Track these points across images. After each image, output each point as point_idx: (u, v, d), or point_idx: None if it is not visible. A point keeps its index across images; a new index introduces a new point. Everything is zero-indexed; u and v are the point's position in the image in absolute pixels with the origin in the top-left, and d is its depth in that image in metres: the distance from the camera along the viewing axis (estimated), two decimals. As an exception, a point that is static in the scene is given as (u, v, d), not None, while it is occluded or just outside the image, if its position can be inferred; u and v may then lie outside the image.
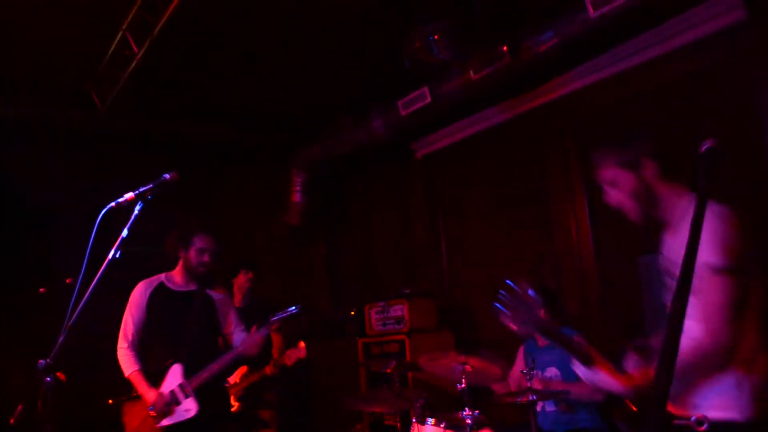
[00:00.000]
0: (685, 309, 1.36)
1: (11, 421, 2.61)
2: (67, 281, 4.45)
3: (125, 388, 5.27)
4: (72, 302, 2.30)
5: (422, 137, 6.33)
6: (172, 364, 3.65)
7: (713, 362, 1.99)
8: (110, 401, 5.29)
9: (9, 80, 5.20)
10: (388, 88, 5.50)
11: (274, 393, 5.14)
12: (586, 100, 5.01)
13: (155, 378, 3.65)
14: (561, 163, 5.19)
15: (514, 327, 2.22)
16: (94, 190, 4.22)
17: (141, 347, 3.71)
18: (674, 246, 2.17)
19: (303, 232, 6.89)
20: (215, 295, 3.95)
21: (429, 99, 5.23)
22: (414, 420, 3.91)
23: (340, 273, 7.31)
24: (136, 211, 2.34)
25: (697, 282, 2.00)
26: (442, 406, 4.76)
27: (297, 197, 6.65)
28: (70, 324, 2.31)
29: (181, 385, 3.61)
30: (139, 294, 3.78)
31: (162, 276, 3.86)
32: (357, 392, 5.58)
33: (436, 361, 3.98)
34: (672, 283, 2.15)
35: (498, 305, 2.19)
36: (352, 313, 6.09)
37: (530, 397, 3.51)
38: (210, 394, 3.68)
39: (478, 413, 3.64)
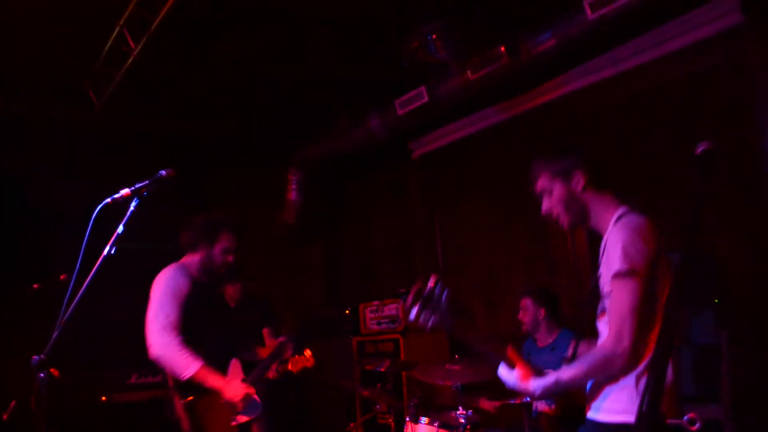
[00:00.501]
0: (680, 314, 1.36)
1: (4, 416, 2.60)
2: (61, 277, 4.44)
3: (121, 385, 5.28)
4: (66, 298, 2.29)
5: (420, 137, 6.34)
6: (230, 359, 3.48)
7: (614, 364, 2.06)
8: (104, 398, 5.30)
9: (6, 77, 5.19)
10: (385, 88, 5.50)
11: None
12: (583, 101, 5.02)
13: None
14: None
15: (424, 324, 2.27)
16: (92, 187, 4.20)
17: None
18: (601, 260, 2.24)
19: (300, 231, 6.88)
20: None
21: (426, 99, 5.23)
22: (407, 419, 3.92)
23: (336, 272, 7.30)
24: (131, 207, 2.33)
25: (606, 289, 2.09)
26: (436, 406, 4.77)
27: (293, 195, 6.65)
28: (64, 320, 2.31)
29: (244, 380, 3.43)
30: (183, 282, 3.33)
31: (179, 266, 3.49)
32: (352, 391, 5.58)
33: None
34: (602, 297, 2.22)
35: (408, 303, 2.25)
36: (347, 312, 6.10)
37: (524, 399, 3.52)
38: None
39: (472, 413, 3.65)
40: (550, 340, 4.26)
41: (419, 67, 4.89)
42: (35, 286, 4.62)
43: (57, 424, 2.49)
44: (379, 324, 5.71)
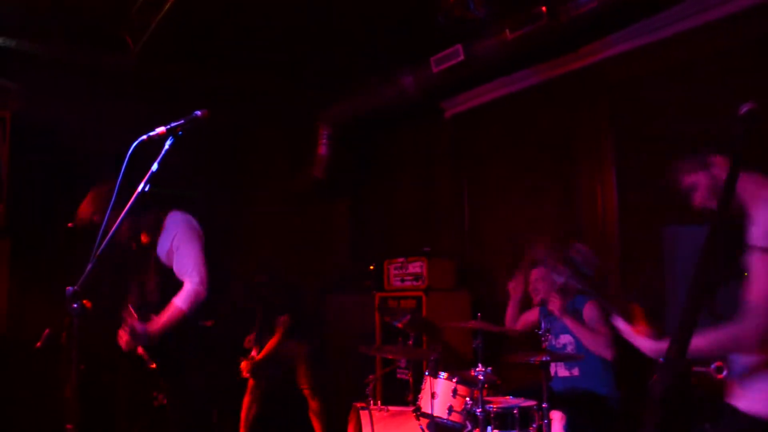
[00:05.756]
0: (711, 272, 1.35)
1: (38, 344, 2.70)
2: (94, 219, 4.51)
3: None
4: (101, 232, 2.34)
5: (453, 96, 6.27)
6: None
7: (744, 341, 1.98)
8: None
9: (42, 21, 5.22)
10: (420, 45, 5.43)
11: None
12: (622, 66, 4.90)
13: None
14: (591, 129, 5.12)
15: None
16: (126, 131, 4.25)
17: None
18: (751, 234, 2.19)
19: (327, 186, 6.91)
20: None
21: (462, 57, 5.15)
22: (427, 373, 3.97)
23: (361, 228, 7.34)
24: (166, 146, 2.36)
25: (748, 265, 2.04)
26: (455, 365, 4.82)
27: (323, 150, 6.65)
28: (98, 253, 2.37)
29: None
30: None
31: None
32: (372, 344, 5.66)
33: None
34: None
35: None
36: (371, 267, 6.14)
37: (543, 358, 3.54)
38: None
39: (491, 370, 3.68)
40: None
41: (456, 24, 4.81)
42: (69, 225, 4.72)
43: (87, 356, 2.57)
44: (402, 281, 5.75)
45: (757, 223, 2.09)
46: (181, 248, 3.52)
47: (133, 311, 3.47)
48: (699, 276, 1.36)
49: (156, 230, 3.68)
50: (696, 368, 1.52)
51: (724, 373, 1.43)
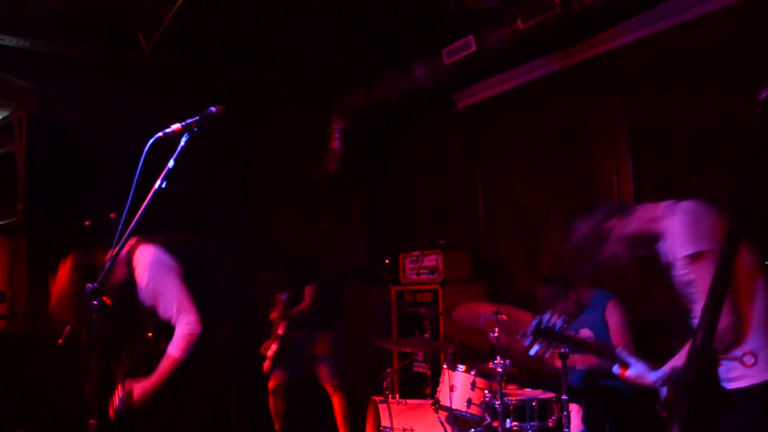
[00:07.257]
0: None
1: (59, 341, 2.73)
2: (111, 216, 4.55)
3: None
4: (119, 229, 2.36)
5: (465, 88, 6.23)
6: None
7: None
8: (150, 334, 5.48)
9: (58, 18, 5.25)
10: (432, 37, 5.40)
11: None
12: (637, 54, 4.84)
13: None
14: (606, 118, 5.07)
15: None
16: (140, 128, 4.28)
17: None
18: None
19: (341, 179, 6.91)
20: None
21: (474, 48, 5.12)
22: (445, 366, 3.97)
23: (376, 221, 7.34)
24: (182, 143, 2.36)
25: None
26: (472, 358, 4.81)
27: (336, 144, 6.65)
28: (116, 251, 2.38)
29: None
30: None
31: None
32: (389, 338, 5.67)
33: (469, 311, 4.02)
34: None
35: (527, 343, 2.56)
36: (387, 261, 6.14)
37: (563, 350, 3.52)
38: None
39: (509, 363, 3.67)
40: (585, 301, 4.26)
41: (468, 14, 4.78)
42: (86, 223, 4.75)
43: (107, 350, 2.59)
44: (418, 274, 5.74)
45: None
46: (160, 292, 3.21)
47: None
48: (724, 262, 1.34)
49: (128, 265, 3.31)
50: (724, 357, 1.51)
51: (752, 360, 1.42)
